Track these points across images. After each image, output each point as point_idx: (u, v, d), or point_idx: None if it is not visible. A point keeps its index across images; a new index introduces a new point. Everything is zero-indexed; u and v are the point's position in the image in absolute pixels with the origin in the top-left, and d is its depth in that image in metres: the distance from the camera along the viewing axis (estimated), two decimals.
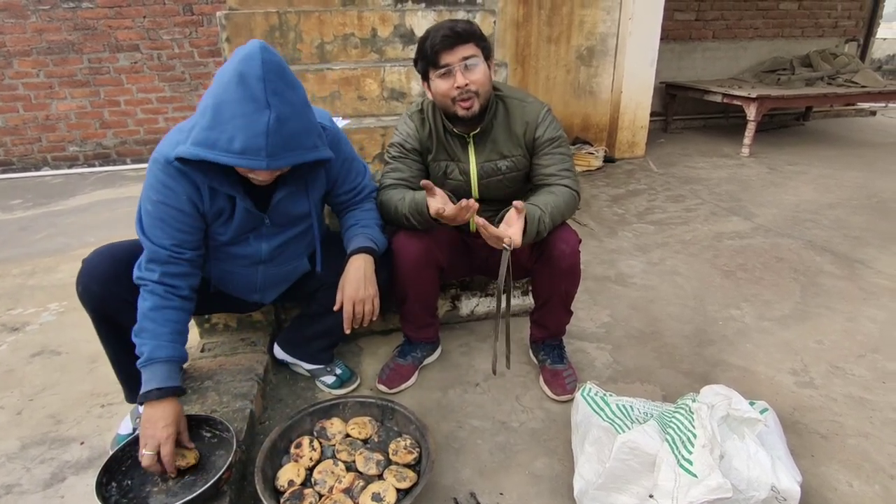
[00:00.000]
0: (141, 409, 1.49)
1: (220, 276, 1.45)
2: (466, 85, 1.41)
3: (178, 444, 1.22)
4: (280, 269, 1.48)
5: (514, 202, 1.38)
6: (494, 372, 1.59)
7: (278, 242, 1.41)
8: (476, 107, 1.46)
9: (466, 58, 1.40)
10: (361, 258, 1.40)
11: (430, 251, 1.56)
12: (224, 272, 1.44)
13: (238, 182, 1.25)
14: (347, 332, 1.39)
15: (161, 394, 1.18)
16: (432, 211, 1.38)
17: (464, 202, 1.33)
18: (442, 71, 1.42)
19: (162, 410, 1.18)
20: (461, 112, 1.46)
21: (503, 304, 1.45)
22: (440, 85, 1.45)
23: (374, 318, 1.43)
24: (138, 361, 1.21)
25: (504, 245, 1.35)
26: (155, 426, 1.17)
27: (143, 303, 1.23)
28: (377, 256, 1.44)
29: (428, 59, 1.43)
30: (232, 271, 1.44)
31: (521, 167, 1.60)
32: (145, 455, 1.15)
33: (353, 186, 1.51)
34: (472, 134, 1.54)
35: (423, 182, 1.39)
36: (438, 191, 1.41)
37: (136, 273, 1.25)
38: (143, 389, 1.20)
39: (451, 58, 1.40)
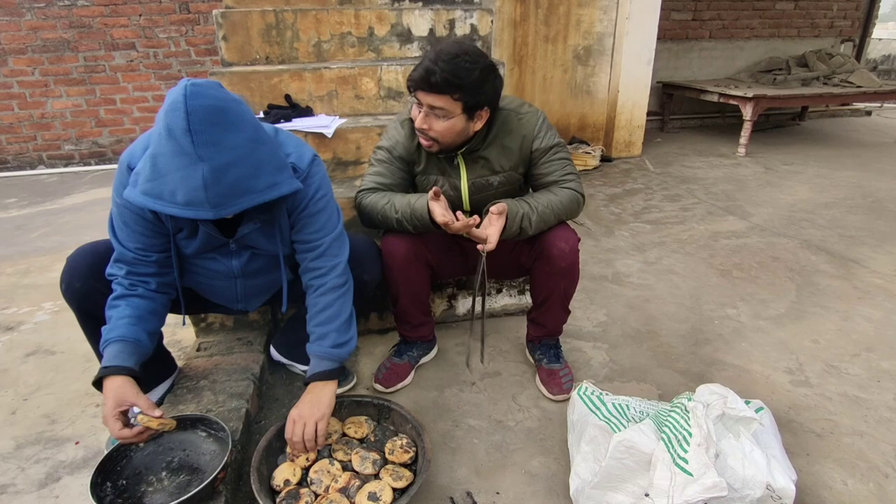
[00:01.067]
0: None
1: (199, 288, 1.43)
2: (424, 128, 1.41)
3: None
4: (259, 281, 1.43)
5: (493, 206, 1.39)
6: (468, 365, 1.58)
7: (247, 258, 1.35)
8: (435, 148, 1.47)
9: (434, 107, 1.37)
10: (316, 386, 1.30)
11: (419, 248, 1.56)
12: (202, 285, 1.42)
13: None
14: (291, 459, 1.31)
15: (104, 372, 1.16)
16: (439, 220, 1.35)
17: (470, 221, 1.34)
18: (415, 100, 1.42)
19: (106, 390, 1.15)
20: (422, 143, 1.48)
21: (478, 311, 1.45)
22: (413, 108, 1.45)
23: (320, 447, 1.29)
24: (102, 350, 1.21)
25: (479, 248, 1.37)
26: (104, 407, 1.14)
27: (110, 297, 1.24)
28: (337, 374, 1.33)
29: (407, 83, 1.41)
30: (211, 284, 1.41)
31: (514, 181, 1.59)
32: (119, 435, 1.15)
33: (309, 238, 1.33)
34: (459, 153, 1.53)
35: (435, 189, 1.37)
36: (442, 197, 1.40)
37: (107, 270, 1.26)
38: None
39: (423, 98, 1.37)
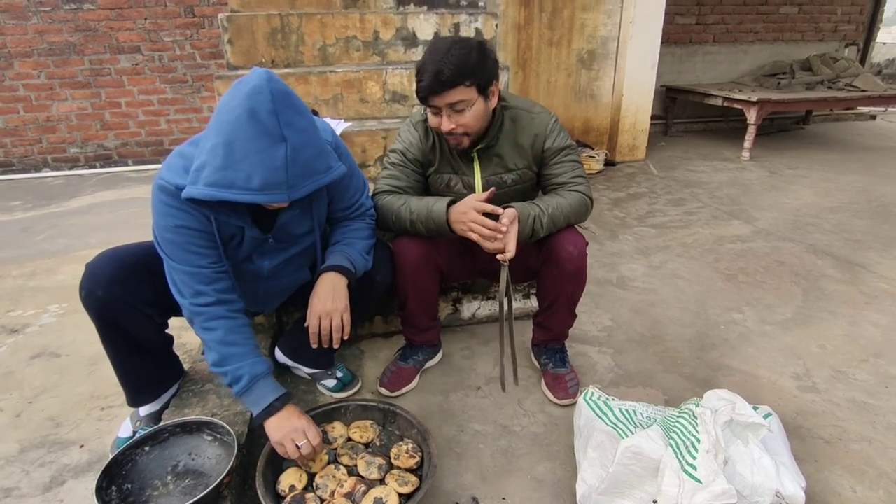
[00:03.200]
0: (142, 412, 1.50)
1: None
2: (452, 129, 1.41)
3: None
4: (281, 282, 1.45)
5: (501, 215, 1.39)
6: (504, 388, 1.59)
7: (280, 260, 1.38)
8: (465, 143, 1.47)
9: (453, 104, 1.37)
10: (330, 275, 1.34)
11: (430, 253, 1.56)
12: None
13: (245, 212, 1.23)
14: (314, 346, 1.33)
15: (281, 403, 1.25)
16: (478, 205, 1.38)
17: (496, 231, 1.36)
18: (432, 110, 1.42)
19: (289, 413, 1.25)
20: (451, 145, 1.48)
21: (506, 320, 1.45)
22: (432, 119, 1.45)
23: (346, 337, 1.35)
24: (238, 387, 1.22)
25: (500, 259, 1.37)
26: (292, 423, 1.23)
27: (213, 332, 1.22)
28: (351, 276, 1.36)
29: (419, 96, 1.41)
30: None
31: (527, 179, 1.59)
32: (303, 445, 1.22)
33: (349, 203, 1.44)
34: (476, 150, 1.54)
35: (492, 190, 1.39)
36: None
37: (185, 304, 1.22)
38: (259, 408, 1.23)
39: (439, 101, 1.38)
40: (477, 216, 1.38)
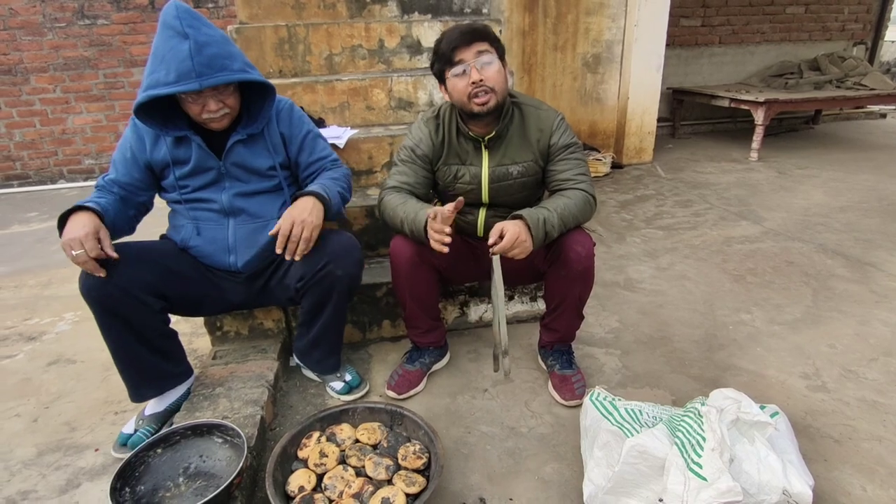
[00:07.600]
0: (147, 411, 1.53)
1: (191, 234, 1.50)
2: (481, 81, 1.43)
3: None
4: (248, 225, 1.51)
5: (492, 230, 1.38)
6: (496, 370, 1.54)
7: (237, 191, 1.49)
8: (492, 102, 1.46)
9: (481, 52, 1.43)
10: (310, 198, 1.42)
11: (424, 252, 1.55)
12: (196, 228, 1.50)
13: (190, 127, 1.42)
14: (278, 252, 1.38)
15: (74, 209, 1.31)
16: (431, 212, 1.38)
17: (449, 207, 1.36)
18: (457, 69, 1.44)
19: (77, 220, 1.29)
20: (476, 108, 1.46)
21: (500, 315, 1.41)
22: (456, 84, 1.46)
23: (306, 250, 1.40)
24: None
25: (492, 251, 1.37)
26: (74, 231, 1.26)
27: (97, 196, 1.46)
28: (326, 205, 1.44)
29: (444, 57, 1.45)
30: (203, 228, 1.50)
31: (532, 173, 1.61)
32: (75, 255, 1.26)
33: (321, 156, 1.61)
34: (487, 137, 1.56)
35: (460, 200, 1.37)
36: (445, 214, 1.38)
37: (100, 179, 1.49)
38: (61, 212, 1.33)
39: (467, 54, 1.42)
40: (432, 223, 1.37)
